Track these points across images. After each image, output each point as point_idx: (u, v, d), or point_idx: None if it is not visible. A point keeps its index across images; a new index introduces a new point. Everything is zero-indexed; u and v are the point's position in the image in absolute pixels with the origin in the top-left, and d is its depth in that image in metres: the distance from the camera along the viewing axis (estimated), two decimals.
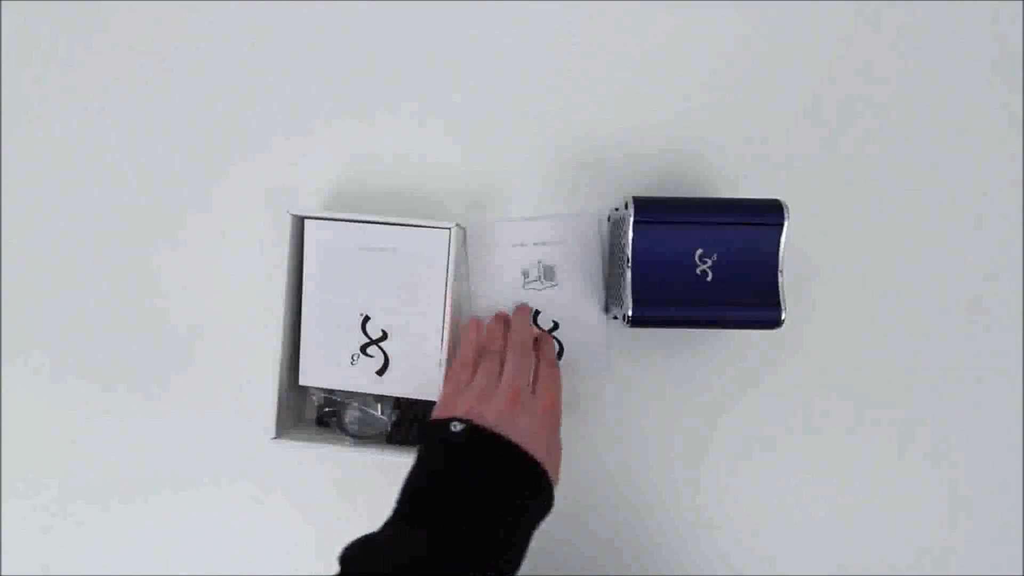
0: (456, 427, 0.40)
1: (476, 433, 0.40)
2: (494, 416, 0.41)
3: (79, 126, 0.56)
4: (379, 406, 0.51)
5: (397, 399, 0.50)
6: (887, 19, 0.53)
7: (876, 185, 0.53)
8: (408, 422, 0.51)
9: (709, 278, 0.44)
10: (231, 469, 0.55)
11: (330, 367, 0.50)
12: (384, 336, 0.49)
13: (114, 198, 0.56)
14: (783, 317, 0.44)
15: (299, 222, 0.49)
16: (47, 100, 0.56)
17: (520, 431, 0.40)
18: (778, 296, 0.44)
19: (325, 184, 0.54)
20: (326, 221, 0.49)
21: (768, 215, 0.44)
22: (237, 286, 0.55)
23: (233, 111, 0.55)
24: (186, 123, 0.55)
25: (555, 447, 0.44)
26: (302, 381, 0.51)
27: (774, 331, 0.45)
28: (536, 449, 0.40)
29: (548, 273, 0.53)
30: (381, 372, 0.49)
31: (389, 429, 0.51)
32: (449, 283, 0.48)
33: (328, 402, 0.52)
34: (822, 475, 0.53)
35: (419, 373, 0.49)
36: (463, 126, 0.54)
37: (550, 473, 0.41)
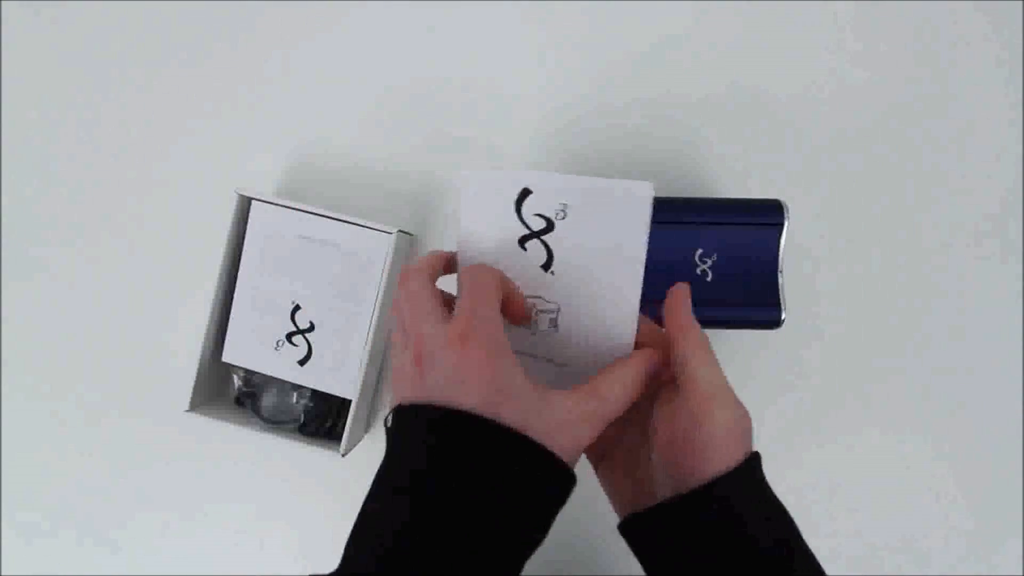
0: (387, 421, 0.30)
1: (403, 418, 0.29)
2: (409, 388, 0.29)
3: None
4: (295, 395, 0.51)
5: (314, 391, 0.51)
6: (887, 18, 0.53)
7: (876, 184, 0.53)
8: (322, 416, 0.51)
9: (709, 278, 0.44)
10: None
11: (254, 349, 0.50)
12: (311, 327, 0.50)
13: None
14: (783, 317, 0.44)
15: (245, 203, 0.49)
16: None
17: (441, 387, 0.28)
18: (778, 296, 0.44)
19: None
20: (272, 205, 0.49)
21: (768, 215, 0.44)
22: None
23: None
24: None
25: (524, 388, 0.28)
26: (225, 357, 0.51)
27: (774, 331, 0.45)
28: (484, 397, 0.27)
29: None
30: (303, 362, 0.50)
31: (302, 419, 0.51)
32: (382, 287, 0.48)
33: (247, 383, 0.52)
34: (822, 476, 0.53)
35: (340, 370, 0.49)
36: (461, 125, 0.54)
37: (533, 429, 0.27)
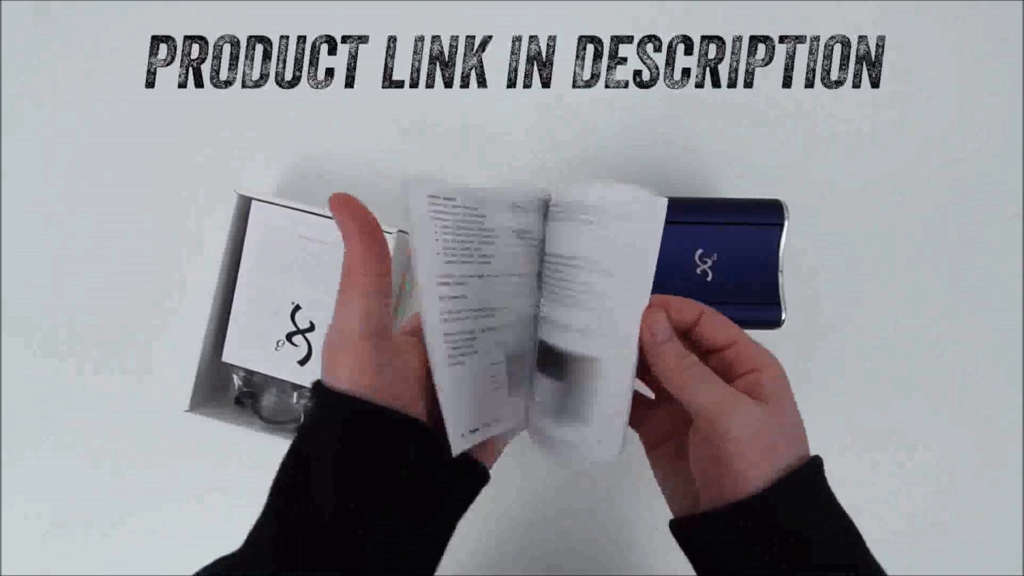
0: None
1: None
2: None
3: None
4: (295, 395, 0.51)
5: None
6: (886, 17, 0.53)
7: (876, 184, 0.53)
8: None
9: (709, 278, 0.44)
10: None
11: (254, 349, 0.50)
12: (311, 328, 0.50)
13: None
14: (783, 317, 0.44)
15: (245, 203, 0.49)
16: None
17: (339, 371, 0.27)
18: (778, 296, 0.44)
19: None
20: (272, 205, 0.49)
21: (768, 215, 0.44)
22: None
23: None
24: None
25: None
26: (225, 357, 0.51)
27: (774, 331, 0.45)
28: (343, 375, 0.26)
29: None
30: (303, 362, 0.50)
31: (302, 419, 0.51)
32: None
33: (247, 383, 0.52)
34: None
35: None
36: (461, 125, 0.54)
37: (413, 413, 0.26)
